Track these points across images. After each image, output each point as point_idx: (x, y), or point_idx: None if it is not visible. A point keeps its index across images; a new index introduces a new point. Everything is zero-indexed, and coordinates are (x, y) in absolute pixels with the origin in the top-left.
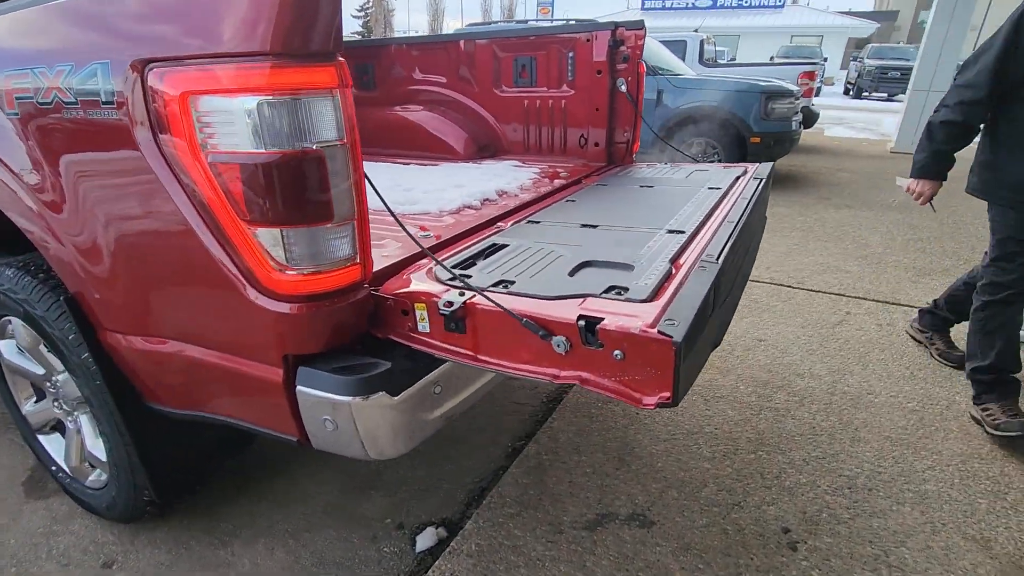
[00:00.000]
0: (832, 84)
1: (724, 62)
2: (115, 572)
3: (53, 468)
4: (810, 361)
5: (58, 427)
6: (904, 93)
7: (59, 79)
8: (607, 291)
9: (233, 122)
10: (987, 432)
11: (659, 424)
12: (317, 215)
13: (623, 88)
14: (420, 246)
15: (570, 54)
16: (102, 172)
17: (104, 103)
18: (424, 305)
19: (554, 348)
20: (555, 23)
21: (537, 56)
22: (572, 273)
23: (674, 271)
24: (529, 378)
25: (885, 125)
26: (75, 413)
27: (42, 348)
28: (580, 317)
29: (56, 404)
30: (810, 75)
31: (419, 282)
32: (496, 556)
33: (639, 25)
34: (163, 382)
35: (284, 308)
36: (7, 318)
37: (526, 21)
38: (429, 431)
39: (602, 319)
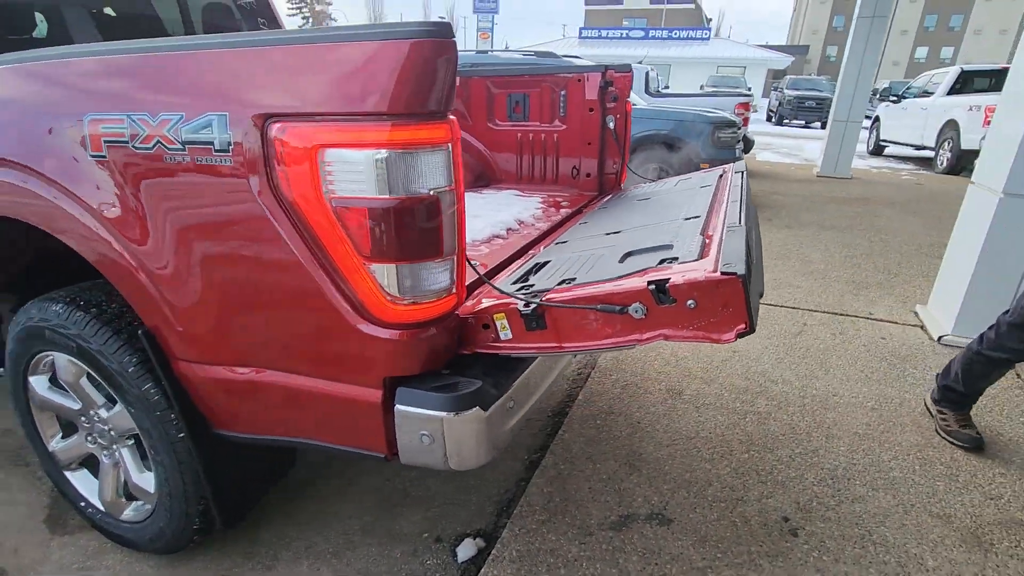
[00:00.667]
0: (755, 111)
1: (664, 91)
2: None
3: (82, 504)
4: (780, 368)
5: (85, 463)
6: (818, 121)
7: (164, 128)
8: (660, 263)
9: (360, 171)
10: (936, 430)
11: (660, 431)
12: (429, 252)
13: (611, 125)
14: (479, 274)
15: (562, 92)
16: (208, 213)
17: (217, 151)
18: (503, 314)
19: (632, 316)
20: (545, 62)
21: (530, 93)
22: (621, 261)
23: (707, 240)
24: (614, 349)
25: (807, 151)
26: (114, 447)
27: (83, 383)
28: (650, 282)
29: (90, 439)
30: (745, 106)
31: (490, 300)
32: (536, 560)
33: (627, 68)
34: (240, 409)
35: (390, 335)
36: (44, 354)
37: (487, 51)
38: (503, 443)
39: (669, 279)
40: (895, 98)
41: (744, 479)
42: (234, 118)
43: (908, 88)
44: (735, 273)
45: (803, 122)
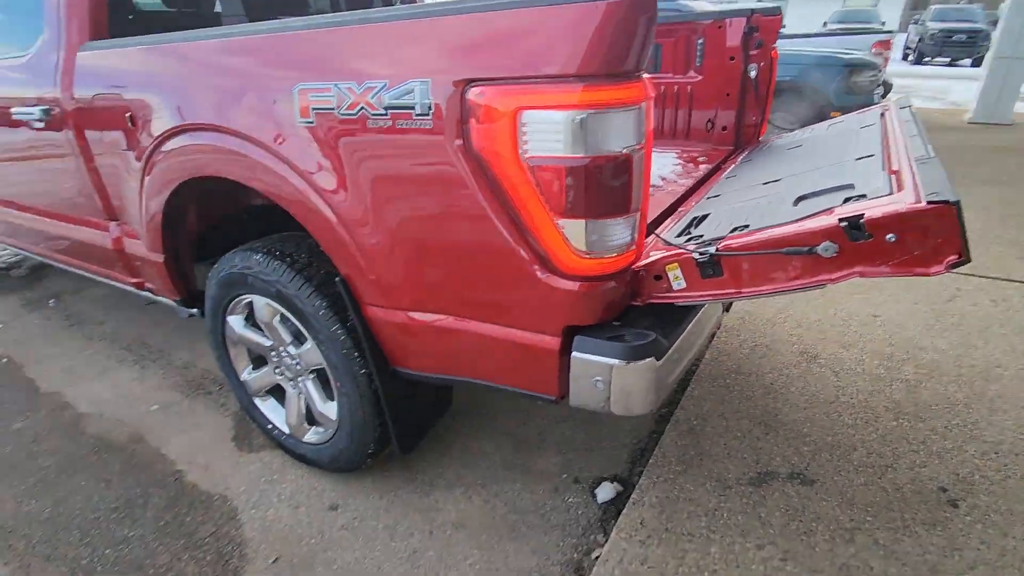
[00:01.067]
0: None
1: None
2: (341, 513)
3: (269, 427)
4: (930, 336)
5: (273, 392)
6: (968, 58)
7: (368, 95)
8: (846, 201)
9: (558, 131)
10: None
11: (795, 393)
12: (618, 209)
13: (753, 74)
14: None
15: (700, 40)
16: (406, 172)
17: (418, 115)
18: (676, 264)
19: (822, 254)
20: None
21: (663, 43)
22: (795, 204)
23: (894, 175)
24: (802, 290)
25: (954, 93)
26: (300, 379)
27: (276, 323)
28: (842, 219)
29: (278, 371)
30: (886, 44)
31: (659, 252)
32: (676, 507)
33: (776, 11)
34: (422, 350)
35: (572, 286)
36: (243, 297)
37: None
38: (668, 392)
39: (863, 214)
40: None
41: (893, 447)
42: (436, 84)
43: None
44: (946, 201)
45: (949, 59)
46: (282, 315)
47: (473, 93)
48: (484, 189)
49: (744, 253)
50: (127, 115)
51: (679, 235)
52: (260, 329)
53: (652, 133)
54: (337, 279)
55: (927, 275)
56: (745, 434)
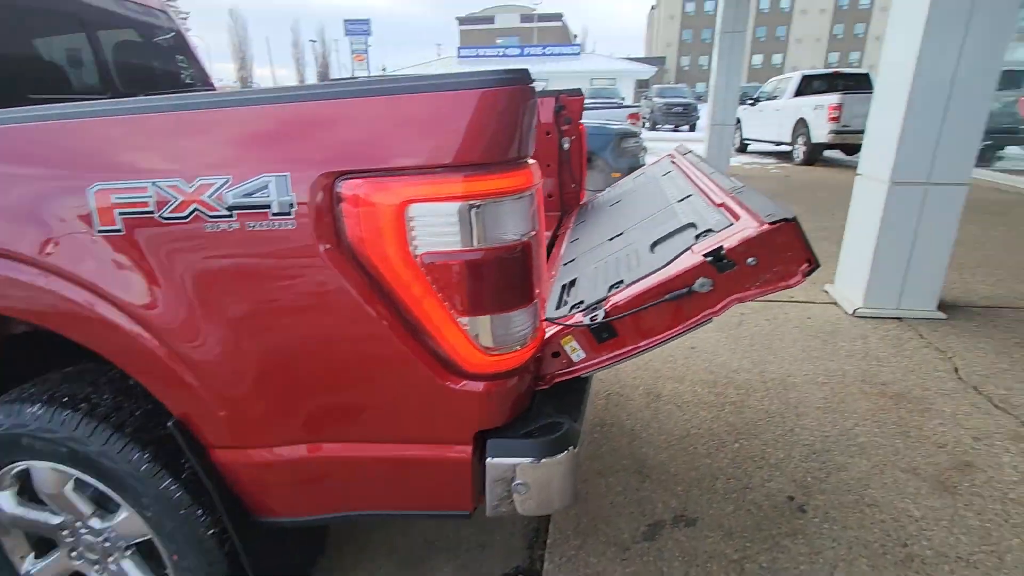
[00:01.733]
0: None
1: None
2: None
3: None
4: (736, 358)
5: None
6: (686, 125)
7: (203, 193)
8: (697, 238)
9: (452, 224)
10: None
11: (654, 434)
12: (523, 298)
13: (567, 146)
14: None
15: None
16: (268, 283)
17: (276, 214)
18: (570, 336)
19: (700, 291)
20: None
21: None
22: (652, 251)
23: (724, 207)
24: (692, 329)
25: None
26: (110, 560)
27: (67, 491)
28: (706, 255)
29: (75, 554)
30: (636, 116)
31: (551, 328)
32: None
33: (578, 92)
34: (297, 490)
35: (481, 388)
36: (11, 466)
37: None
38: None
39: (722, 246)
40: (752, 101)
41: (744, 467)
42: (297, 178)
43: (761, 92)
44: (785, 218)
45: (673, 126)
46: (77, 480)
47: (346, 187)
48: (367, 293)
49: (635, 309)
50: None
51: (558, 307)
52: (43, 503)
53: (543, 215)
54: (170, 422)
55: (790, 287)
56: (625, 487)
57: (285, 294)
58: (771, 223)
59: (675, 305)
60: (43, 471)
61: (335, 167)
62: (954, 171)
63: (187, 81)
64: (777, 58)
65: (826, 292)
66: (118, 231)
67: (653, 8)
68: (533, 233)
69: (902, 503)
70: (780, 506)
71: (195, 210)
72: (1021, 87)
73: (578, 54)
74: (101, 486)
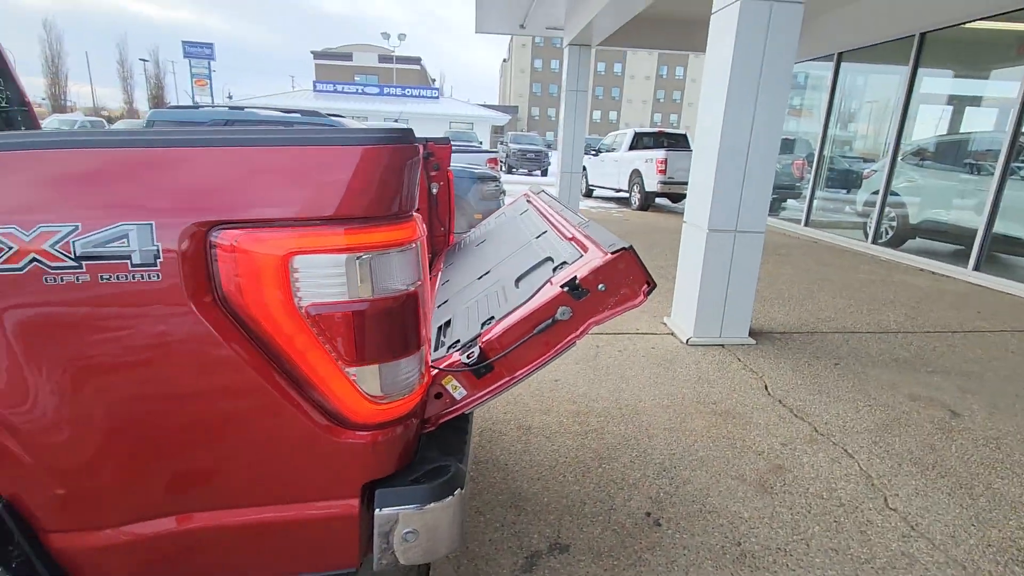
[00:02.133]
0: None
1: None
2: None
3: None
4: (595, 388)
5: None
6: (538, 170)
7: (44, 242)
8: (554, 271)
9: (339, 275)
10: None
11: (525, 467)
12: (410, 346)
13: (435, 191)
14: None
15: None
16: (122, 342)
17: (137, 265)
18: (450, 377)
19: (562, 319)
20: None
21: None
22: (517, 285)
23: (574, 241)
24: (558, 356)
25: None
26: None
27: None
28: (563, 286)
29: None
30: (495, 161)
31: (432, 369)
32: None
33: (446, 141)
34: (155, 570)
35: (369, 437)
36: None
37: (243, 108)
38: None
39: (575, 276)
40: (595, 152)
41: (607, 490)
42: (163, 227)
43: (601, 144)
44: (624, 247)
45: (527, 171)
46: None
47: (223, 238)
48: (244, 345)
49: (511, 347)
50: None
51: (435, 348)
52: None
53: (427, 264)
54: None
55: (636, 307)
56: (502, 522)
57: (145, 350)
58: (613, 252)
59: (542, 335)
60: None
61: (211, 216)
62: (755, 221)
63: (1, 104)
64: (613, 115)
65: (664, 324)
66: None
67: (505, 60)
68: (419, 282)
69: (735, 507)
70: (640, 523)
71: (33, 260)
72: (793, 152)
73: (437, 98)
74: None
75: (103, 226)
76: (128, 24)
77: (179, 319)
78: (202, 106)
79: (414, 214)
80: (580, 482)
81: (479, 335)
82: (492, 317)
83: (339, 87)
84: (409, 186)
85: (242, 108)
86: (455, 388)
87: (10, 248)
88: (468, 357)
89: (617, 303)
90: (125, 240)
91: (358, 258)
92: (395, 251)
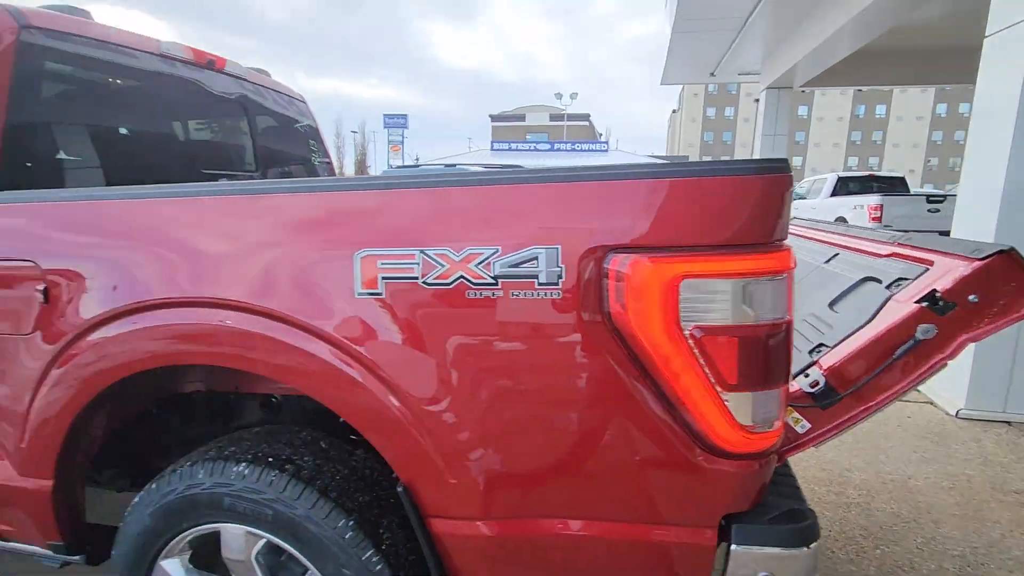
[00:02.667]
0: None
1: None
2: None
3: None
4: (845, 457)
5: None
6: None
7: (471, 263)
8: (888, 287)
9: (727, 300)
10: None
11: None
12: (780, 378)
13: None
14: None
15: None
16: (523, 351)
17: (543, 284)
18: (790, 409)
19: (924, 337)
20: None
21: None
22: (832, 308)
23: (894, 256)
24: (923, 381)
25: None
26: None
27: (254, 557)
28: (919, 300)
29: None
30: None
31: None
32: None
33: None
34: (518, 569)
35: (735, 468)
36: (194, 529)
37: (455, 165)
38: None
39: (934, 289)
40: None
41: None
42: (567, 251)
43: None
44: (1001, 249)
45: None
46: (268, 546)
47: (616, 262)
48: (626, 364)
49: (871, 374)
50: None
51: None
52: (211, 572)
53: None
54: (400, 489)
55: (1022, 319)
56: None
57: (541, 360)
58: (983, 257)
59: (903, 358)
60: (235, 535)
61: (609, 241)
62: None
63: (316, 162)
64: (797, 160)
65: (918, 390)
66: (379, 295)
67: (675, 111)
68: (790, 314)
69: None
70: None
71: (460, 277)
72: None
73: (606, 151)
74: (298, 554)
75: (518, 248)
76: (343, 102)
77: (572, 333)
78: (420, 164)
79: (785, 244)
80: (855, 562)
81: (813, 363)
82: (822, 344)
83: (513, 145)
84: (787, 214)
85: (454, 165)
86: (797, 421)
87: (443, 266)
88: (813, 387)
89: (996, 316)
90: (535, 261)
91: (744, 284)
92: (774, 278)
